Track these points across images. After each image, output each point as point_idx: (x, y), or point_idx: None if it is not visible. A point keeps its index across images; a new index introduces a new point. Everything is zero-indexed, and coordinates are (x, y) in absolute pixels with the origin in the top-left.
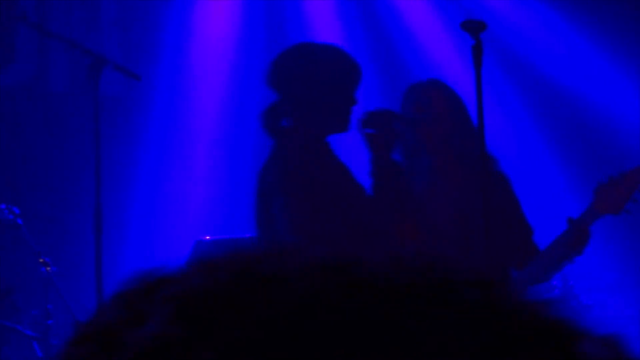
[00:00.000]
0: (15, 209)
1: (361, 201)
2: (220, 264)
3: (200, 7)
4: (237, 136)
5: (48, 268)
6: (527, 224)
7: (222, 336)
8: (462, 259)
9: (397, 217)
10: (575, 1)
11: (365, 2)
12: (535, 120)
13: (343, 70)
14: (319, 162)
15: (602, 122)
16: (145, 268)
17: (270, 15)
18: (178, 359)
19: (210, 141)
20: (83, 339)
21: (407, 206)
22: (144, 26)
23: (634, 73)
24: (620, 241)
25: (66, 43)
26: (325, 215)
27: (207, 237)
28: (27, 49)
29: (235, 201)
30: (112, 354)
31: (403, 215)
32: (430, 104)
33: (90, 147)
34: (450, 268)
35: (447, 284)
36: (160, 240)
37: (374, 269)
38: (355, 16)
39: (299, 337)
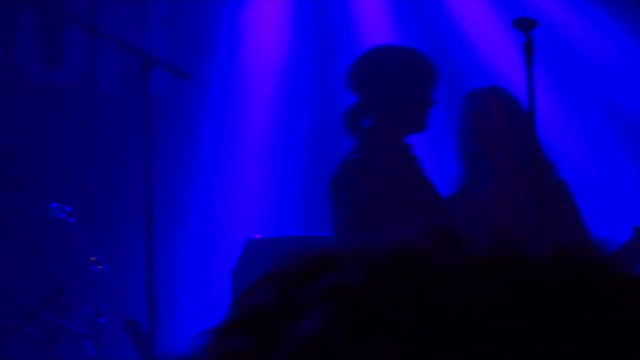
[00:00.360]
0: (66, 208)
1: (435, 204)
2: (380, 257)
3: (251, 6)
4: (288, 135)
5: (100, 267)
6: (587, 231)
7: (382, 343)
8: None
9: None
10: (623, 1)
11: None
12: (590, 122)
13: (422, 72)
14: (398, 162)
15: None
16: (301, 250)
17: (321, 14)
18: None
19: (261, 140)
20: (235, 326)
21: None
22: (194, 25)
23: None
24: None
25: (117, 43)
26: (397, 218)
27: (259, 236)
28: (77, 50)
29: (287, 200)
30: (268, 349)
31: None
32: (491, 112)
33: (141, 146)
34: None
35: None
36: (211, 239)
37: (538, 265)
38: (404, 15)
39: (467, 343)
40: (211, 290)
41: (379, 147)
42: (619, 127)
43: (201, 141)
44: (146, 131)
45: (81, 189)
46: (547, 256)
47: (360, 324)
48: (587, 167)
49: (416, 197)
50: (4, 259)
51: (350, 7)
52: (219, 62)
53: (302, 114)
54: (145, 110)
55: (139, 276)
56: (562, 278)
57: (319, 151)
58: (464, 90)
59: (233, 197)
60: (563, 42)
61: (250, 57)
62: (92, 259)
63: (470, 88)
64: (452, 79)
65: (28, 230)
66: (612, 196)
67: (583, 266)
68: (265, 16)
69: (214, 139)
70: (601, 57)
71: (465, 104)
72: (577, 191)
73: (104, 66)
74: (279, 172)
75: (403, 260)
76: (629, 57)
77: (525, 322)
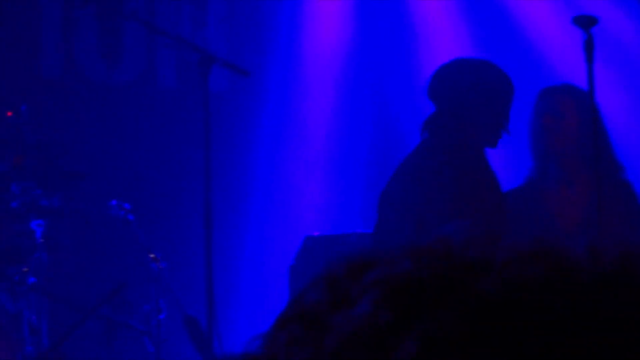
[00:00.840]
0: (126, 205)
1: (501, 209)
2: (425, 249)
3: (310, 2)
4: (347, 132)
5: (159, 263)
6: None
7: (428, 326)
8: None
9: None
10: None
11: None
12: None
13: (500, 87)
14: (478, 170)
15: None
16: (351, 251)
17: (382, 12)
18: (385, 344)
19: (320, 138)
20: (287, 321)
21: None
22: (252, 22)
23: None
24: None
25: (175, 40)
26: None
27: (316, 233)
28: (135, 47)
29: (345, 198)
30: (318, 336)
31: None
32: (563, 110)
33: (199, 144)
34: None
35: None
36: (269, 236)
37: (577, 258)
38: (464, 14)
39: (508, 329)
40: (269, 286)
41: (458, 156)
42: None
43: (260, 138)
44: (205, 128)
45: (140, 186)
46: (589, 253)
47: (407, 307)
48: None
49: (490, 203)
50: (64, 256)
51: (412, 6)
52: (277, 59)
53: (361, 111)
54: (204, 108)
55: (197, 273)
56: (598, 273)
57: (378, 148)
58: (526, 90)
59: (291, 195)
60: (623, 39)
61: (309, 53)
62: (151, 255)
63: (533, 86)
64: (513, 78)
65: (87, 228)
66: None
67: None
68: (324, 12)
69: (272, 136)
70: None
71: (536, 104)
72: None
73: (162, 64)
74: (337, 170)
75: (446, 252)
76: None
77: (561, 310)
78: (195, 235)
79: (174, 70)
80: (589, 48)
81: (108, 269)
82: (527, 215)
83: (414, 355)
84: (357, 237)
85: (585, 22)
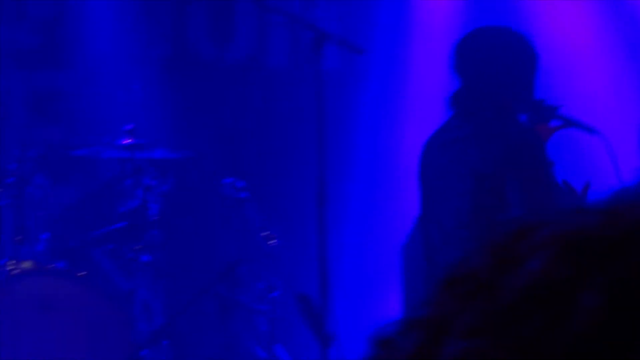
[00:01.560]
0: (239, 183)
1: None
2: (592, 209)
3: None
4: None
5: (272, 241)
6: None
7: (612, 277)
8: None
9: None
10: None
11: None
12: None
13: (526, 55)
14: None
15: None
16: (511, 220)
17: None
18: (563, 297)
19: (429, 116)
20: (454, 284)
21: None
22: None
23: None
24: None
25: (287, 18)
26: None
27: None
28: (247, 26)
29: None
30: (489, 295)
31: None
32: None
33: (311, 122)
34: None
35: None
36: (382, 213)
37: None
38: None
39: None
40: (382, 265)
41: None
42: None
43: (370, 115)
44: (318, 106)
45: (253, 164)
46: None
47: (586, 260)
48: None
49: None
50: (178, 234)
51: None
52: (387, 37)
53: None
54: (316, 86)
55: (310, 250)
56: None
57: None
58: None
59: (404, 174)
60: None
61: (419, 31)
62: (265, 233)
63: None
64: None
65: (201, 206)
66: None
67: None
68: None
69: (383, 113)
70: None
71: None
72: None
73: (273, 43)
74: None
75: (616, 210)
76: None
77: None
78: (308, 212)
79: (286, 48)
80: None
81: (221, 247)
82: None
83: (597, 306)
84: None
85: None
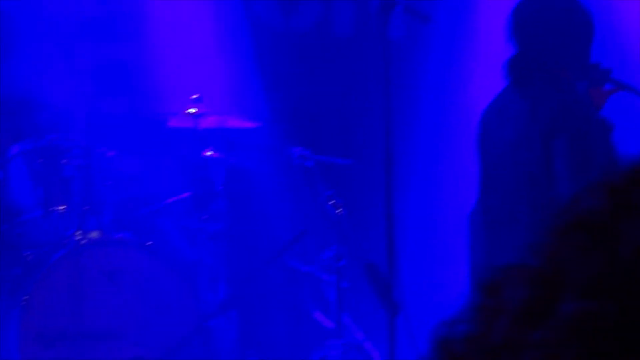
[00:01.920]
0: (306, 153)
1: None
2: None
3: None
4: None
5: (339, 210)
6: None
7: None
8: None
9: None
10: None
11: None
12: None
13: (580, 21)
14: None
15: None
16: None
17: None
18: None
19: (493, 85)
20: (569, 230)
21: None
22: None
23: None
24: None
25: None
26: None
27: None
28: None
29: None
30: (609, 246)
31: None
32: None
33: (378, 90)
34: None
35: None
36: (448, 182)
37: None
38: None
39: None
40: (448, 233)
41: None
42: None
43: (436, 85)
44: (385, 75)
45: (319, 133)
46: None
47: None
48: None
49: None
50: (245, 205)
51: None
52: (452, 5)
53: None
54: (383, 54)
55: (377, 219)
56: None
57: None
58: None
59: (469, 142)
60: None
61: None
62: (331, 202)
63: None
64: None
65: (268, 175)
66: None
67: None
68: None
69: (448, 82)
70: None
71: None
72: None
73: (338, 10)
74: None
75: None
76: None
77: None
78: (375, 182)
79: (352, 16)
80: None
81: (288, 217)
82: None
83: None
84: None
85: None
